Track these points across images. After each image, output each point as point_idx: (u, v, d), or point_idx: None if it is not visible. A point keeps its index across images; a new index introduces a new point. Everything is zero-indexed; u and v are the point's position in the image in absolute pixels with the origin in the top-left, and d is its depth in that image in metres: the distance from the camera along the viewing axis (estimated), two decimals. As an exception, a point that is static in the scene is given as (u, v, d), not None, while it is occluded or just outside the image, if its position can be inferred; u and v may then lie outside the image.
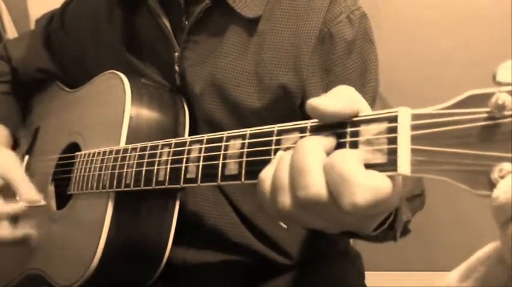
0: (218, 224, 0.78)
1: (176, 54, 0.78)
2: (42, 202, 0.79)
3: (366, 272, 0.94)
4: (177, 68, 0.78)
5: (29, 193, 0.78)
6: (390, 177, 0.38)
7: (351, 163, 0.38)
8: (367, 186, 0.37)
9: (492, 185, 0.31)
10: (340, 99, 0.41)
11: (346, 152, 0.39)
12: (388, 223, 0.57)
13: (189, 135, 0.77)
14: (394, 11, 1.84)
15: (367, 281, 0.91)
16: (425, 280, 1.75)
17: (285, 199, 0.41)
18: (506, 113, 0.32)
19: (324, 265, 0.84)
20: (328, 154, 0.40)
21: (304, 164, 0.39)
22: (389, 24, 1.81)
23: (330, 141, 0.41)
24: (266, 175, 0.44)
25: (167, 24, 0.79)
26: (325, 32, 0.71)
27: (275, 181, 0.42)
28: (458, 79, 1.76)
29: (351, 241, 0.99)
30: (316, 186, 0.39)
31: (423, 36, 1.82)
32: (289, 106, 0.73)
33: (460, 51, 1.79)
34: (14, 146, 1.00)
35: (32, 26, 1.08)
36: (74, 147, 0.84)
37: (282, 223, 0.76)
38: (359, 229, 0.45)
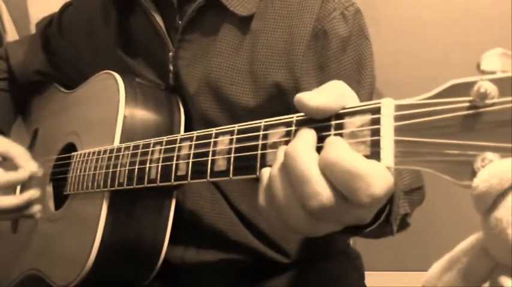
0: (216, 223, 0.78)
1: (170, 53, 0.78)
2: (40, 172, 0.85)
3: (365, 272, 0.93)
4: (171, 67, 0.78)
5: (29, 163, 0.83)
6: None
7: (348, 155, 0.37)
8: (377, 174, 0.36)
9: (475, 175, 0.31)
10: (327, 94, 0.41)
11: (336, 145, 0.38)
12: (384, 216, 0.57)
13: None
14: (393, 10, 1.84)
15: (367, 281, 0.91)
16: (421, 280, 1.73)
17: (298, 214, 0.40)
18: (489, 101, 0.32)
19: (323, 264, 0.83)
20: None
21: (303, 173, 0.38)
22: (388, 24, 1.81)
23: (315, 137, 0.41)
24: (264, 201, 0.43)
25: (161, 24, 0.79)
26: (319, 29, 0.70)
27: (278, 202, 0.41)
28: (457, 79, 1.75)
29: (351, 240, 0.98)
30: (324, 190, 0.38)
31: (422, 36, 1.82)
32: (283, 104, 0.73)
33: (460, 51, 1.78)
34: None
35: (32, 26, 1.09)
36: (71, 147, 0.85)
37: None
38: (360, 220, 0.43)
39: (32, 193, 0.81)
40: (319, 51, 0.71)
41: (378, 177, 0.36)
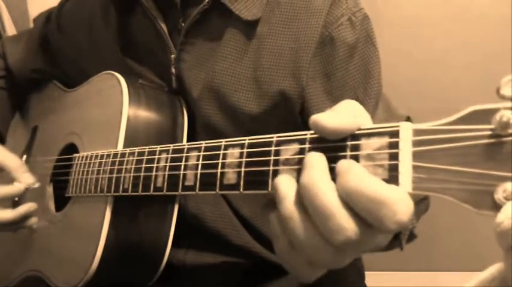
0: (218, 226, 0.78)
1: (172, 56, 0.77)
2: (37, 185, 0.83)
3: (366, 272, 0.94)
4: (173, 70, 0.77)
5: (24, 176, 0.82)
6: None
7: (369, 182, 0.36)
8: (401, 200, 0.35)
9: (496, 205, 0.31)
10: (342, 114, 0.40)
11: (355, 172, 0.37)
12: (394, 235, 0.57)
13: (188, 137, 0.76)
14: (393, 10, 1.83)
15: (367, 281, 0.91)
16: (425, 280, 1.75)
17: (324, 251, 0.38)
18: (511, 131, 0.31)
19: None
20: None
21: (326, 207, 0.36)
22: (389, 24, 1.80)
23: (326, 163, 0.39)
24: (284, 245, 0.41)
25: (163, 26, 0.77)
26: (326, 35, 0.69)
27: (301, 242, 0.39)
28: (458, 79, 1.76)
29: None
30: (349, 224, 0.36)
31: (423, 36, 1.82)
32: (288, 112, 0.72)
33: (460, 51, 1.79)
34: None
35: (32, 25, 1.07)
36: (72, 148, 0.84)
37: None
38: (380, 245, 0.42)
39: (28, 207, 0.80)
40: (326, 58, 0.70)
41: (402, 203, 0.35)
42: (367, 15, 0.72)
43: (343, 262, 0.39)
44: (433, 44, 1.80)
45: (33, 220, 0.82)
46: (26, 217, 0.80)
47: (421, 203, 0.68)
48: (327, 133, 0.40)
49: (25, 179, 0.81)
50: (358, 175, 0.36)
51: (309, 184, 0.38)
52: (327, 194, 0.37)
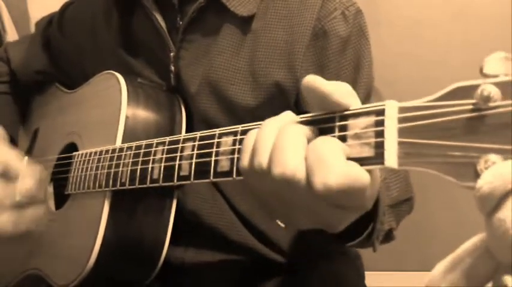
0: (216, 223, 0.78)
1: (172, 54, 0.78)
2: (45, 172, 0.81)
3: (366, 272, 0.93)
4: (172, 67, 0.78)
5: (33, 170, 0.79)
6: (370, 173, 0.38)
7: (332, 148, 0.38)
8: (342, 171, 0.37)
9: (478, 177, 0.31)
10: (336, 86, 0.41)
11: (331, 139, 0.39)
12: (366, 234, 0.57)
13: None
14: (393, 10, 1.84)
15: (367, 281, 0.91)
16: (425, 280, 1.73)
17: (263, 178, 0.41)
18: (492, 104, 0.32)
19: (324, 264, 0.83)
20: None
21: (288, 141, 0.40)
22: (389, 24, 1.81)
23: (313, 131, 0.42)
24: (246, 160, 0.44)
25: (162, 24, 0.79)
26: (319, 28, 0.71)
27: (257, 162, 0.42)
28: (457, 79, 1.74)
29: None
30: (293, 162, 0.39)
31: (422, 36, 1.82)
32: (284, 104, 0.73)
33: (460, 51, 1.79)
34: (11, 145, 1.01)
35: (32, 26, 1.09)
36: (72, 147, 0.85)
37: (279, 222, 0.76)
38: (329, 224, 0.44)
39: (29, 227, 0.78)
40: (319, 51, 0.71)
41: (339, 173, 0.37)
42: (360, 10, 0.73)
43: (288, 208, 0.43)
44: (433, 44, 1.80)
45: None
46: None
47: (403, 204, 0.69)
48: (318, 94, 0.41)
49: (34, 171, 0.80)
50: (329, 140, 0.39)
51: (287, 126, 0.42)
52: (296, 136, 0.40)
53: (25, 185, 0.75)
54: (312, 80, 0.41)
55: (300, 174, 0.39)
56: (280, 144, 0.40)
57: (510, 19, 1.66)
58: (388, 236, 0.67)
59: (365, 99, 0.72)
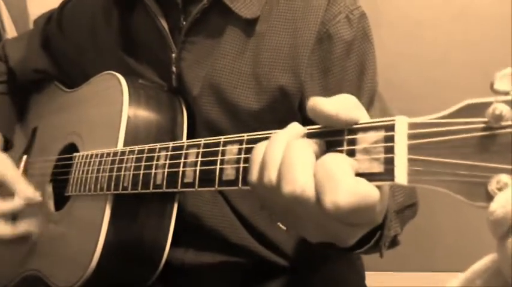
0: (217, 225, 0.78)
1: (173, 55, 0.77)
2: (38, 198, 0.81)
3: (366, 273, 0.94)
4: (174, 69, 0.77)
5: (25, 190, 0.80)
6: (379, 189, 0.38)
7: (341, 164, 0.38)
8: (352, 189, 0.36)
9: (489, 197, 0.31)
10: (340, 104, 0.41)
11: (340, 155, 0.39)
12: (374, 241, 0.57)
13: (188, 136, 0.77)
14: (393, 10, 1.83)
15: (367, 281, 0.91)
16: (425, 281, 1.75)
17: (273, 195, 0.41)
18: (504, 123, 0.32)
19: (324, 266, 0.83)
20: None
21: (295, 158, 0.39)
22: (389, 24, 1.80)
23: (320, 145, 0.42)
24: (254, 173, 0.44)
25: (164, 24, 0.78)
26: (324, 32, 0.70)
27: (266, 179, 0.42)
28: (458, 79, 1.76)
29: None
30: (301, 179, 0.39)
31: (423, 36, 1.82)
32: (287, 108, 0.73)
33: (460, 51, 1.79)
34: (7, 147, 1.00)
35: (31, 25, 1.07)
36: (72, 147, 0.84)
37: (280, 225, 0.76)
38: (339, 239, 0.43)
39: (28, 226, 0.80)
40: (324, 55, 0.71)
41: (349, 191, 0.36)
42: (364, 13, 0.73)
43: (299, 223, 0.43)
44: (434, 44, 1.80)
45: (32, 237, 0.81)
46: (24, 236, 0.80)
47: (407, 209, 0.69)
48: (322, 117, 0.41)
49: (25, 193, 0.79)
50: (338, 156, 0.38)
51: (295, 142, 0.41)
52: (304, 152, 0.40)
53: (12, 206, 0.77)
54: (314, 104, 0.41)
55: (310, 192, 0.38)
56: (289, 160, 0.40)
57: (510, 19, 1.66)
58: (394, 242, 0.67)
59: (368, 105, 0.72)
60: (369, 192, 0.37)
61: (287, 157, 0.40)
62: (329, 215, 0.38)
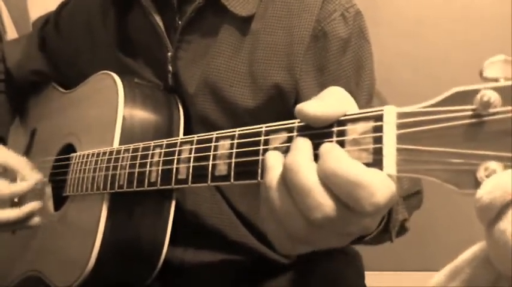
0: (216, 223, 0.78)
1: (169, 54, 0.77)
2: (44, 179, 0.84)
3: (365, 272, 0.93)
4: (170, 67, 0.78)
5: (31, 173, 0.81)
6: None
7: (348, 164, 0.36)
8: (379, 182, 0.35)
9: (478, 184, 0.31)
10: (327, 101, 0.41)
11: (334, 154, 0.38)
12: (383, 224, 0.57)
13: (184, 135, 0.77)
14: (393, 10, 1.83)
15: (367, 281, 0.91)
16: (425, 280, 1.74)
17: (298, 224, 0.39)
18: (492, 110, 0.31)
19: (323, 264, 0.83)
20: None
21: (305, 185, 0.37)
22: (389, 23, 1.80)
23: (311, 147, 0.40)
24: (264, 211, 0.42)
25: (160, 23, 0.78)
26: (319, 30, 0.70)
27: (277, 212, 0.40)
28: (457, 79, 1.74)
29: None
30: (327, 201, 0.37)
31: (423, 36, 1.82)
32: (283, 105, 0.73)
33: (460, 51, 1.78)
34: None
35: (31, 26, 1.08)
36: (70, 148, 0.84)
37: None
38: (367, 231, 0.42)
39: (34, 205, 0.80)
40: (319, 52, 0.71)
41: (380, 185, 0.35)
42: (359, 11, 0.73)
43: (326, 241, 0.40)
44: (434, 44, 1.80)
45: (36, 220, 0.81)
46: (29, 216, 0.80)
47: (413, 197, 0.68)
48: (311, 121, 0.41)
49: (32, 177, 0.81)
50: (338, 157, 0.37)
51: (292, 162, 0.39)
52: (306, 173, 0.38)
53: (20, 188, 0.77)
54: (298, 111, 0.40)
55: (338, 207, 0.37)
56: (298, 185, 0.38)
57: (510, 19, 1.66)
58: (403, 228, 0.66)
59: (367, 103, 0.72)
60: (386, 177, 0.36)
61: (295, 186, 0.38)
62: (367, 216, 0.37)
